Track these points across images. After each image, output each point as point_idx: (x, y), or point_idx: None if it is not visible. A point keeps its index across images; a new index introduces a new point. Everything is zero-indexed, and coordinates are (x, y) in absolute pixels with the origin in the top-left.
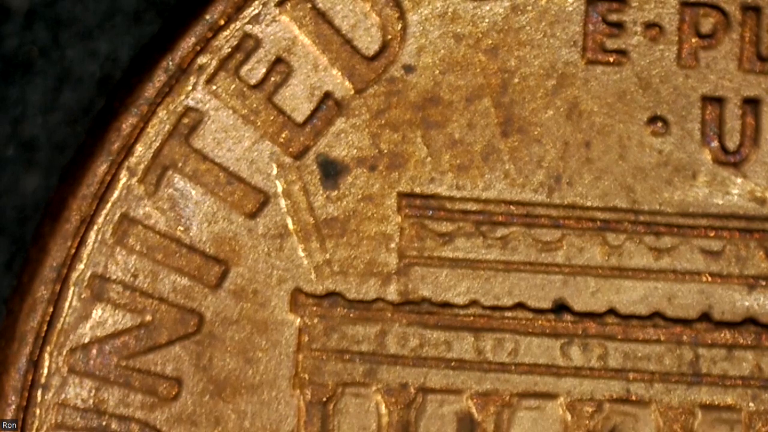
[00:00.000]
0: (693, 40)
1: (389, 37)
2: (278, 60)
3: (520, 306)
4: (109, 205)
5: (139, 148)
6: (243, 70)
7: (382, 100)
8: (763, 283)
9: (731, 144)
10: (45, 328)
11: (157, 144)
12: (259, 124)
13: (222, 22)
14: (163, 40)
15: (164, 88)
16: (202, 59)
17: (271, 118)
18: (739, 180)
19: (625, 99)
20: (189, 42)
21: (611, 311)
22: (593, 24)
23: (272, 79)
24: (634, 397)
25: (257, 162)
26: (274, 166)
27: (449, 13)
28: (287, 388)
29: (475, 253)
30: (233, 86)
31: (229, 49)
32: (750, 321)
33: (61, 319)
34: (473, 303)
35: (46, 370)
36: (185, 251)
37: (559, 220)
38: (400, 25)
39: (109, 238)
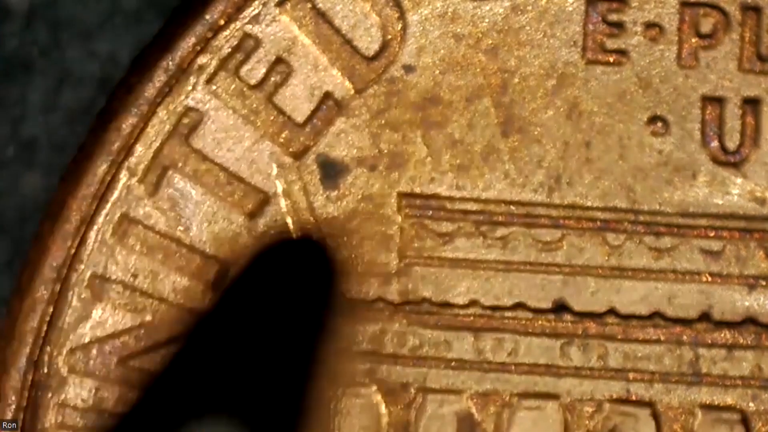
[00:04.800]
0: (693, 40)
1: (389, 37)
2: (278, 60)
3: (520, 306)
4: (109, 205)
5: (139, 148)
6: (243, 70)
7: (382, 100)
8: (763, 283)
9: (731, 144)
10: (45, 328)
11: (157, 144)
12: (259, 124)
13: (222, 22)
14: (163, 40)
15: (164, 88)
16: (202, 59)
17: (271, 118)
18: (739, 180)
19: (625, 99)
20: (189, 42)
21: (611, 311)
22: (593, 24)
23: (272, 79)
24: (634, 397)
25: (257, 162)
26: (274, 166)
27: (449, 13)
28: None
29: (475, 253)
30: (233, 86)
31: (229, 49)
32: (750, 321)
33: (61, 319)
34: (473, 303)
35: (46, 370)
36: (185, 251)
37: (559, 220)
38: (400, 25)
39: (109, 238)
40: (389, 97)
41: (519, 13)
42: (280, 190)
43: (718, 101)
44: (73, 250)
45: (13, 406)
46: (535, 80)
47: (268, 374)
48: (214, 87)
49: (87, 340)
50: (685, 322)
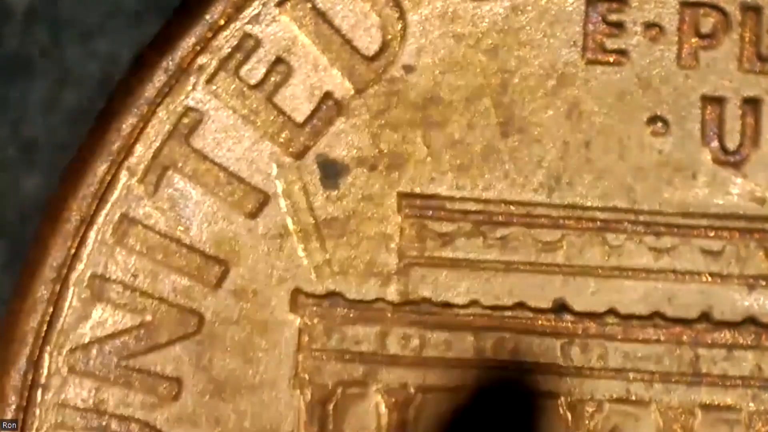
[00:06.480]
0: (693, 40)
1: (389, 37)
2: (278, 60)
3: (520, 306)
4: (109, 205)
5: (139, 148)
6: (243, 70)
7: (382, 100)
8: (763, 283)
9: (731, 144)
10: (45, 328)
11: (157, 144)
12: (259, 124)
13: (222, 22)
14: (163, 40)
15: (164, 88)
16: (202, 59)
17: (271, 118)
18: (739, 180)
19: (625, 99)
20: (189, 42)
21: (611, 311)
22: (593, 24)
23: (272, 79)
24: (634, 397)
25: (257, 162)
26: (274, 166)
27: (449, 13)
28: (287, 388)
29: (475, 253)
30: (233, 86)
31: (229, 49)
32: (750, 321)
33: (61, 319)
34: (473, 303)
35: (46, 370)
36: (185, 251)
37: (559, 220)
38: (400, 25)
39: (109, 238)
40: (389, 97)
41: (519, 13)
42: (280, 190)
43: (718, 101)
44: (73, 250)
45: (13, 406)
46: (535, 80)
47: None
48: (214, 87)
49: (87, 340)
50: (685, 322)
